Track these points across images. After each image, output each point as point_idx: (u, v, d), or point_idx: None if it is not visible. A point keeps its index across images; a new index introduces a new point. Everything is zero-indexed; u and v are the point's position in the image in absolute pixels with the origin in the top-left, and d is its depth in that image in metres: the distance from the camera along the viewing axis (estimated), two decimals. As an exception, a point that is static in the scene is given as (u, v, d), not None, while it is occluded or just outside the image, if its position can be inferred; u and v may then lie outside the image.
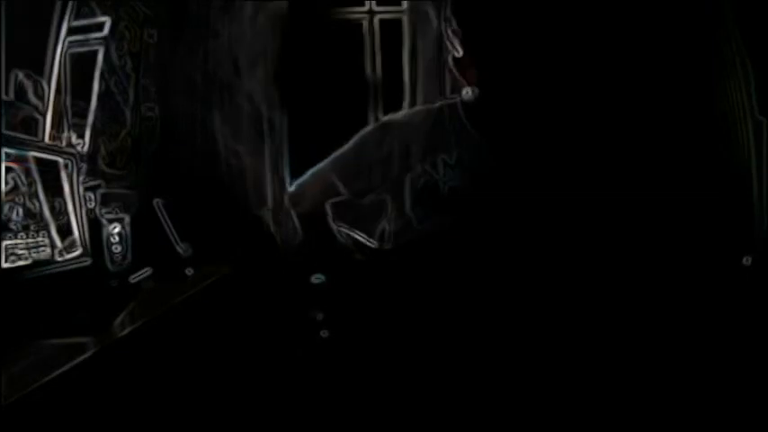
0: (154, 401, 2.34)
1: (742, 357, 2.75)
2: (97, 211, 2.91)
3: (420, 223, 2.96)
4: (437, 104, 3.24)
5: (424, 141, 3.02)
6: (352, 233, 3.03)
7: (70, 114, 2.75)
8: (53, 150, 2.60)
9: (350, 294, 3.02)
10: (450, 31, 3.15)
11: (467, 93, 3.00)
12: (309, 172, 3.10)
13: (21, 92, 2.40)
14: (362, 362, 2.89)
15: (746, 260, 2.94)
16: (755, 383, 2.64)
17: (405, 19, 3.69)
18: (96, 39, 2.92)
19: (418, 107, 3.24)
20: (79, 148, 2.80)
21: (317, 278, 2.92)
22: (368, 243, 3.03)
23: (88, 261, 2.74)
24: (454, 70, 3.14)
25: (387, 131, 3.09)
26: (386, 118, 3.14)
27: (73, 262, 2.64)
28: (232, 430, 2.65)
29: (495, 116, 3.02)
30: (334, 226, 3.01)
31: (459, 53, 3.01)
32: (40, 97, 2.51)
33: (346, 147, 3.07)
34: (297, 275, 3.24)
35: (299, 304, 3.16)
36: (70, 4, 2.66)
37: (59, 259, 2.55)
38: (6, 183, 2.27)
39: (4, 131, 2.26)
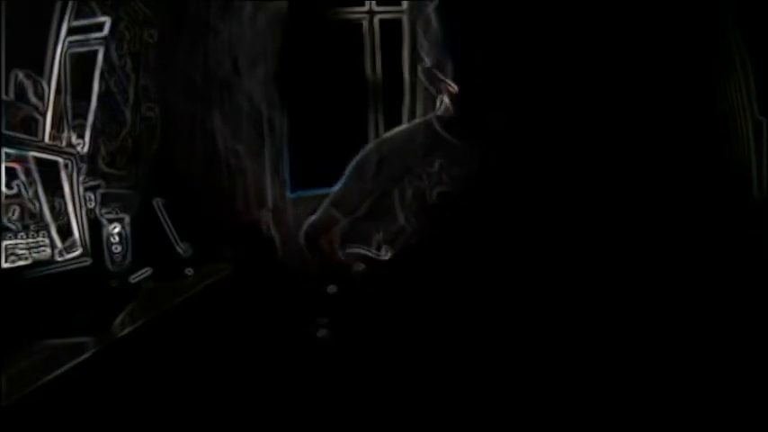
0: (154, 401, 2.34)
1: (742, 356, 2.75)
2: (97, 211, 2.91)
3: (415, 231, 3.01)
4: (413, 123, 3.37)
5: (403, 157, 3.11)
6: (355, 250, 3.10)
7: (70, 114, 2.75)
8: (53, 150, 2.60)
9: (350, 300, 3.04)
10: (421, 42, 3.25)
11: (440, 102, 3.08)
12: (317, 211, 3.26)
13: (21, 92, 2.39)
14: (362, 365, 2.89)
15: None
16: (757, 378, 2.64)
17: (405, 19, 3.69)
18: (96, 39, 2.92)
19: (397, 129, 3.38)
20: (79, 148, 2.80)
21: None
22: (370, 254, 3.08)
23: (88, 261, 2.74)
24: (425, 80, 3.24)
25: (372, 156, 3.21)
26: (371, 143, 3.30)
27: (73, 262, 2.64)
28: (232, 430, 2.65)
29: (473, 122, 3.07)
30: (339, 250, 3.10)
31: (428, 63, 3.10)
32: (40, 97, 2.51)
33: (341, 182, 3.24)
34: (295, 277, 3.24)
35: (298, 305, 3.17)
36: (70, 4, 2.66)
37: (59, 259, 2.55)
38: (6, 183, 2.27)
39: (4, 131, 2.25)
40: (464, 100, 3.02)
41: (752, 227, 3.15)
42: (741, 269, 3.05)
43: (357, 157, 3.27)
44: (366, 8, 3.78)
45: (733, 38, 3.22)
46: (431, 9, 3.21)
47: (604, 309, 2.94)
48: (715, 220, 3.13)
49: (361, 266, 3.03)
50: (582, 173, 3.12)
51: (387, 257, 2.99)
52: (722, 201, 3.15)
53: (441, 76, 3.05)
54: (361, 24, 3.77)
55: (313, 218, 3.27)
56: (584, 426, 2.59)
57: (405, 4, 3.68)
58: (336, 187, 3.30)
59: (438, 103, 3.26)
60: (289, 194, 3.67)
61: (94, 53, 2.93)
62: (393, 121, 3.61)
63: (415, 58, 3.47)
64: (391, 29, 3.70)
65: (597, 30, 3.20)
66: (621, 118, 3.20)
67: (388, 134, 3.43)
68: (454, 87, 2.97)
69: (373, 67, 3.74)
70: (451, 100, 3.01)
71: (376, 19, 3.77)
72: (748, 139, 3.23)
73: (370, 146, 3.32)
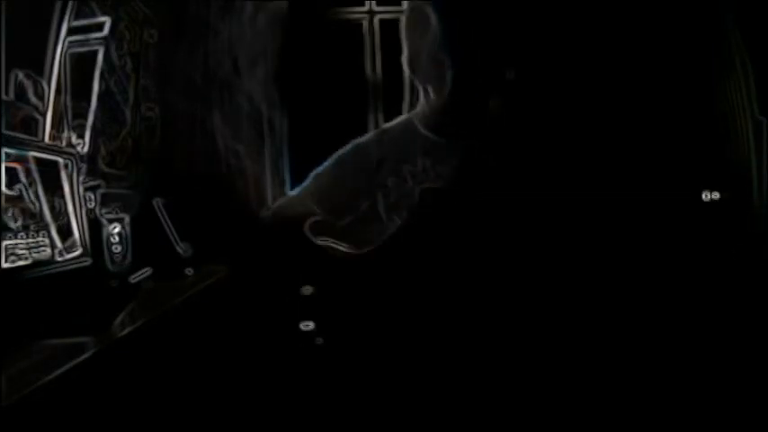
0: (154, 401, 2.34)
1: (742, 355, 2.75)
2: (97, 211, 2.91)
3: (400, 229, 3.04)
4: (395, 121, 3.40)
5: (389, 157, 3.14)
6: (333, 244, 3.12)
7: (70, 114, 2.74)
8: (53, 150, 2.60)
9: (339, 295, 3.06)
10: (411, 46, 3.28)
11: (420, 101, 3.12)
12: (288, 195, 3.27)
13: (21, 92, 2.39)
14: (361, 364, 2.89)
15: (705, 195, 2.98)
16: (757, 377, 2.65)
17: (404, 19, 3.69)
18: (96, 39, 2.92)
19: (381, 128, 3.41)
20: (79, 148, 2.80)
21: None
22: (350, 250, 3.10)
23: (88, 261, 2.74)
24: (407, 69, 3.26)
25: (356, 154, 3.23)
26: (355, 141, 3.33)
27: (73, 262, 2.64)
28: (231, 429, 2.65)
29: (457, 120, 3.10)
30: (315, 240, 3.12)
31: (423, 53, 3.13)
32: (40, 97, 2.51)
33: (321, 168, 3.25)
34: (294, 276, 3.25)
35: (298, 305, 3.17)
36: (70, 4, 2.66)
37: (59, 259, 2.55)
38: (7, 183, 2.27)
39: (4, 131, 2.25)
40: (447, 99, 3.04)
41: (752, 227, 3.15)
42: (741, 269, 3.05)
43: (341, 153, 3.28)
44: (366, 8, 3.78)
45: (733, 38, 3.22)
46: (426, 7, 3.22)
47: (602, 307, 2.94)
48: (715, 220, 3.13)
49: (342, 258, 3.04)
50: (581, 172, 3.12)
51: (361, 252, 3.00)
52: (722, 201, 3.16)
53: (419, 83, 3.08)
54: (361, 24, 3.77)
55: (282, 202, 3.26)
56: (577, 424, 2.59)
57: (405, 4, 3.68)
58: (317, 180, 3.31)
59: (418, 104, 3.29)
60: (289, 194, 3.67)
61: (94, 53, 2.93)
62: (393, 120, 3.61)
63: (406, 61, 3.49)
64: (391, 29, 3.70)
65: (597, 29, 3.20)
66: (621, 117, 3.20)
67: (374, 133, 3.46)
68: (433, 92, 3.00)
69: (373, 67, 3.74)
70: (432, 99, 3.03)
71: (376, 19, 3.77)
72: (748, 139, 3.23)
73: (350, 146, 3.34)
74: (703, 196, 2.97)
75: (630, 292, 2.97)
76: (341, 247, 3.05)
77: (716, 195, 2.99)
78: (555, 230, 3.00)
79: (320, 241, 3.05)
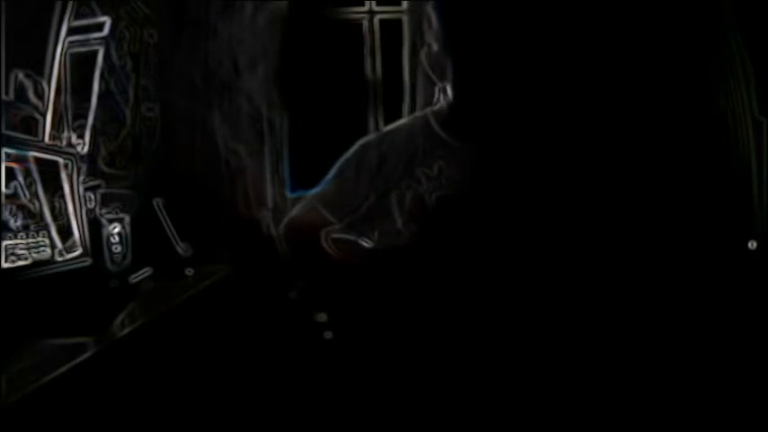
0: (154, 402, 2.34)
1: (742, 356, 2.76)
2: (97, 211, 2.91)
3: (413, 234, 3.00)
4: (408, 119, 3.36)
5: (401, 157, 3.09)
6: (348, 237, 3.09)
7: (70, 114, 2.75)
8: (53, 150, 2.60)
9: (350, 300, 3.05)
10: (427, 28, 3.22)
11: (438, 91, 3.06)
12: (299, 205, 3.23)
13: (21, 92, 2.39)
14: (364, 365, 2.89)
15: (752, 244, 2.96)
16: (758, 379, 2.65)
17: (405, 19, 3.69)
18: (96, 39, 2.92)
19: (392, 125, 3.36)
20: (79, 148, 2.80)
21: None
22: (365, 244, 3.07)
23: (88, 261, 2.74)
24: (426, 65, 3.21)
25: (364, 154, 3.17)
26: (362, 140, 3.26)
27: (73, 262, 2.64)
28: (233, 430, 2.66)
29: (474, 121, 3.06)
30: (327, 243, 3.08)
31: (435, 48, 3.08)
32: (40, 97, 2.51)
33: (329, 175, 3.19)
34: (295, 276, 3.24)
35: (299, 305, 3.16)
36: (70, 4, 2.66)
37: (59, 259, 2.55)
38: (6, 183, 2.27)
39: (4, 131, 2.26)
40: (464, 99, 3.01)
41: (751, 227, 3.15)
42: (740, 269, 3.04)
43: (348, 154, 3.25)
44: (366, 8, 3.78)
45: (733, 38, 3.22)
46: (429, 6, 3.21)
47: (606, 311, 2.94)
48: (715, 220, 3.13)
49: (353, 263, 3.01)
50: (581, 173, 3.12)
51: (381, 248, 2.97)
52: (722, 201, 3.15)
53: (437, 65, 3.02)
54: (361, 24, 3.77)
55: (296, 213, 3.24)
56: (582, 426, 2.60)
57: (405, 4, 3.68)
58: (326, 184, 3.28)
59: (435, 99, 3.26)
60: (289, 194, 3.66)
61: (94, 53, 2.93)
62: (393, 121, 3.60)
63: (419, 45, 3.44)
64: (391, 29, 3.70)
65: (597, 29, 3.19)
66: (621, 118, 3.20)
67: (383, 131, 3.41)
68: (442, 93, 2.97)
69: (373, 67, 3.74)
70: (450, 97, 2.99)
71: (376, 19, 3.76)
72: (748, 139, 3.22)
73: (363, 142, 3.29)
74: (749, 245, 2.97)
75: (631, 292, 2.97)
76: (362, 244, 3.01)
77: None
78: (556, 230, 3.00)
79: (336, 244, 3.03)
